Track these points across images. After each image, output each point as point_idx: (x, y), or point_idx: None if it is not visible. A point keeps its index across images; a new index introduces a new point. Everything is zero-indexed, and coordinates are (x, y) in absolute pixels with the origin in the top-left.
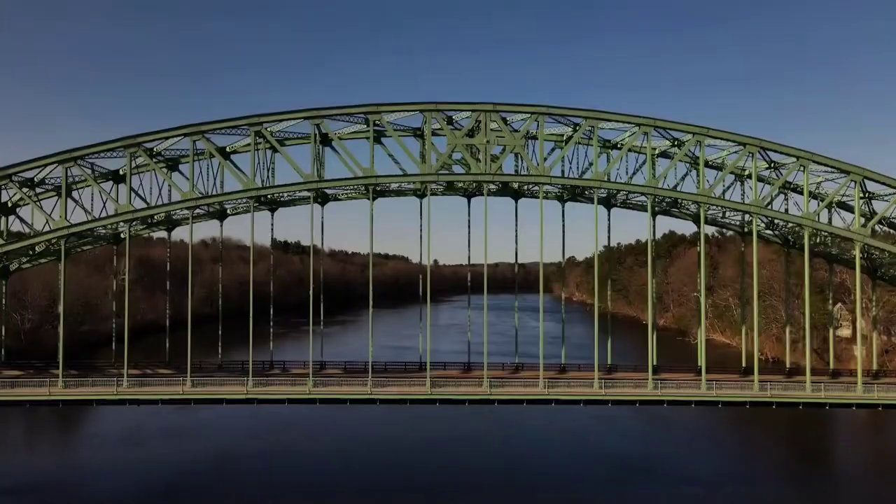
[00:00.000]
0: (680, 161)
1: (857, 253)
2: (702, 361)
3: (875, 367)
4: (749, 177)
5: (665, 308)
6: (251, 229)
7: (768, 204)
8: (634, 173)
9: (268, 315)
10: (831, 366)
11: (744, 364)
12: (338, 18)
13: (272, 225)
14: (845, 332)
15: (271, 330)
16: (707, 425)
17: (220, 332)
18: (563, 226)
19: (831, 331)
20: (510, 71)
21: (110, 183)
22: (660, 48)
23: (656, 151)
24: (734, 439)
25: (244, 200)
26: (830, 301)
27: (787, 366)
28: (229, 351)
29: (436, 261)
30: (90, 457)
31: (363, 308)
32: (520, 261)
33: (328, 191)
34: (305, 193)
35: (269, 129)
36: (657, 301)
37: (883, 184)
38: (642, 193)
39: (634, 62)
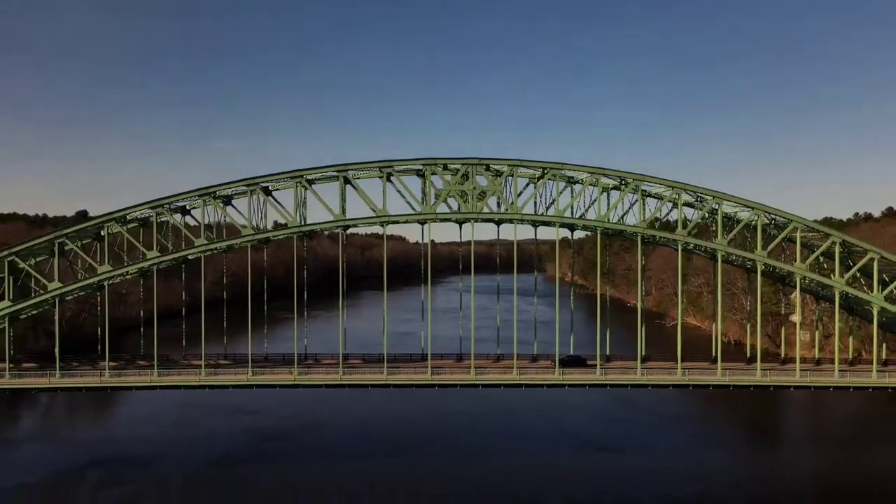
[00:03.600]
0: (631, 192)
1: (759, 269)
2: (678, 353)
3: (818, 353)
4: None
5: (647, 292)
6: (294, 259)
7: (692, 232)
8: (589, 207)
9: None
10: (782, 353)
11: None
12: None
13: (304, 248)
14: (796, 317)
15: (296, 328)
16: (669, 407)
17: (264, 331)
18: (536, 243)
19: (758, 328)
20: None
21: (180, 217)
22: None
23: (610, 185)
24: (696, 418)
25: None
26: (757, 302)
27: (748, 352)
28: (242, 338)
29: (432, 240)
30: (154, 433)
31: (363, 290)
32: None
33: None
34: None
35: (306, 178)
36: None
37: (780, 217)
38: (594, 227)
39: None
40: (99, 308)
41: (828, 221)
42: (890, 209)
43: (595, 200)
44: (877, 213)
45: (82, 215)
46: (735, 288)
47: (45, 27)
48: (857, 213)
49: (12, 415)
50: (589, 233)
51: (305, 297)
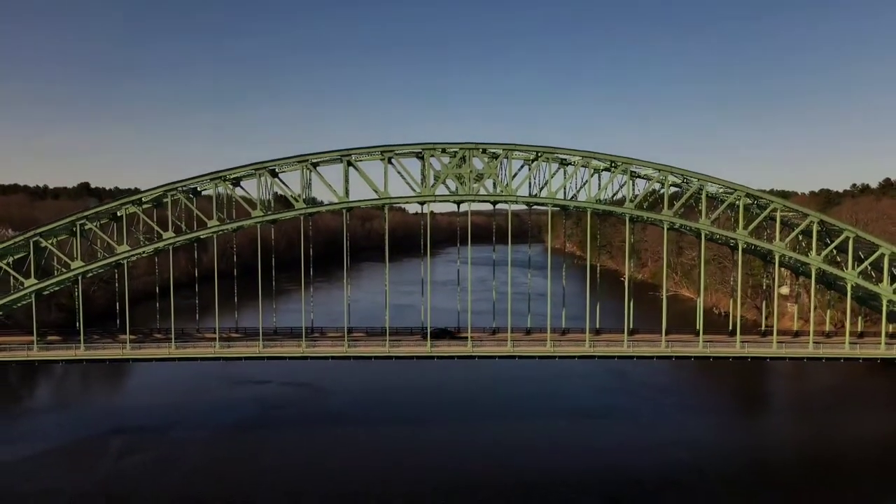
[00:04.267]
0: (621, 174)
1: (740, 247)
2: (663, 326)
3: (802, 326)
4: (668, 193)
5: (643, 264)
6: (302, 238)
7: (678, 213)
8: (581, 188)
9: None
10: (763, 326)
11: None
12: None
13: (311, 228)
14: (785, 290)
15: (303, 304)
16: (659, 377)
17: (273, 305)
18: (530, 224)
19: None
20: None
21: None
22: None
23: (601, 167)
24: (684, 388)
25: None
26: (738, 278)
27: (730, 326)
28: (247, 311)
29: (432, 211)
30: (169, 402)
31: (363, 261)
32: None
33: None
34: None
35: (311, 161)
36: (636, 257)
37: (761, 198)
38: (585, 208)
39: None
40: (117, 284)
41: (824, 194)
42: (887, 181)
43: (586, 182)
44: (874, 185)
45: (84, 187)
46: (727, 261)
47: None
48: (854, 185)
49: (30, 385)
50: None
51: (312, 273)
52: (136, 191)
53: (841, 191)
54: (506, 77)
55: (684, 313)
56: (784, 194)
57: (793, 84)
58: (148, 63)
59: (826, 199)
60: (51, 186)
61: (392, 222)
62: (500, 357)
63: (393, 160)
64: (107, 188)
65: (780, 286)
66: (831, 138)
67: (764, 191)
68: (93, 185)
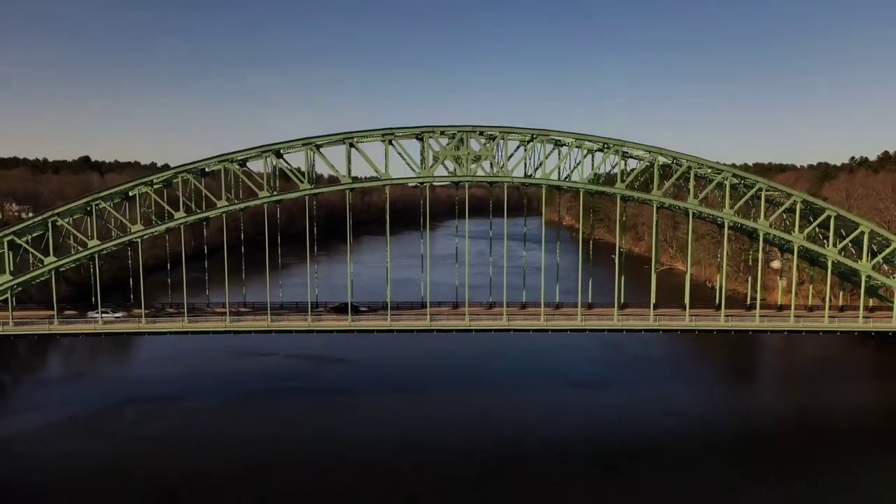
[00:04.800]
0: (613, 154)
1: (726, 225)
2: (652, 300)
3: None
4: (659, 173)
5: (640, 237)
6: (307, 218)
7: (667, 193)
8: (574, 168)
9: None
10: (748, 300)
11: (686, 298)
12: None
13: (314, 206)
14: (776, 264)
15: (309, 280)
16: (651, 349)
17: (279, 281)
18: (525, 207)
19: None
20: None
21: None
22: None
23: (594, 148)
24: (674, 359)
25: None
26: (723, 255)
27: (717, 300)
28: (251, 285)
29: (432, 184)
30: (179, 374)
31: (363, 234)
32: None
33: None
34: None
35: (315, 144)
36: (631, 230)
37: (747, 178)
38: (578, 188)
39: None
40: (130, 261)
41: (822, 167)
42: (886, 153)
43: (579, 163)
44: (873, 158)
45: (84, 161)
46: (720, 236)
47: None
48: (852, 158)
49: (42, 356)
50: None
51: (316, 249)
52: (136, 164)
53: (839, 164)
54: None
55: (678, 287)
56: (782, 168)
57: (791, 55)
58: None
59: (823, 173)
60: (50, 159)
61: (392, 195)
62: (496, 330)
63: (393, 142)
64: (106, 161)
65: (772, 261)
66: (831, 110)
67: (761, 164)
68: (93, 158)
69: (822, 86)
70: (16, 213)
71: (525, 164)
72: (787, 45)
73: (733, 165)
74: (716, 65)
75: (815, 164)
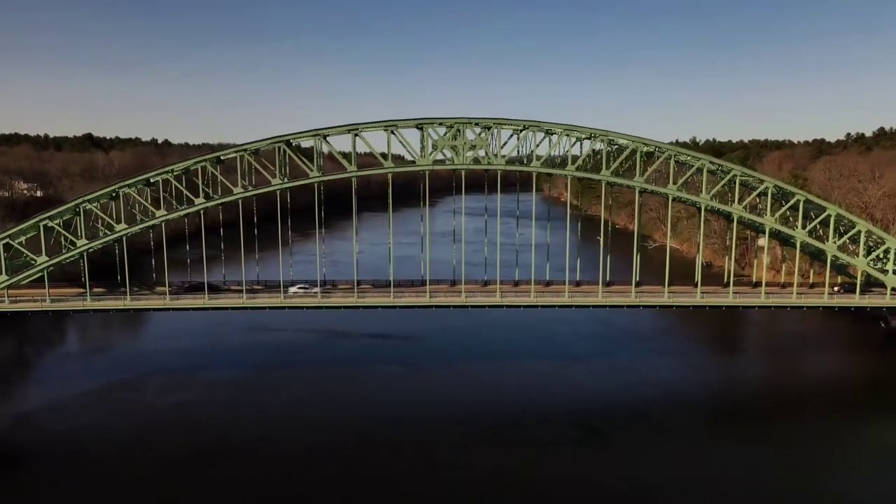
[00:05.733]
0: (599, 143)
1: (702, 209)
2: (633, 278)
3: (773, 277)
4: (642, 160)
5: (633, 215)
6: (316, 205)
7: (649, 179)
8: (562, 157)
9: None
10: (725, 278)
11: (667, 276)
12: None
13: (322, 192)
14: (762, 242)
15: (318, 262)
16: (640, 324)
17: (290, 261)
18: (518, 185)
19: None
20: None
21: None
22: None
23: (582, 136)
24: (661, 334)
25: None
26: (700, 237)
27: (697, 277)
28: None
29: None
30: (195, 347)
31: (363, 211)
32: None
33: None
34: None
35: (323, 135)
36: (625, 207)
37: (723, 165)
38: (566, 175)
39: None
40: (151, 243)
41: (816, 144)
42: (881, 129)
43: (567, 151)
44: (869, 133)
45: (87, 138)
46: (709, 215)
47: None
48: (848, 134)
49: (61, 331)
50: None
51: (323, 228)
52: (137, 140)
53: (834, 141)
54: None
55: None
56: (779, 144)
57: (791, 30)
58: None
59: (818, 150)
60: (51, 135)
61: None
62: (490, 307)
63: (395, 132)
64: (107, 137)
65: (759, 238)
66: (830, 85)
67: (757, 140)
68: (95, 135)
69: (821, 60)
70: (24, 192)
71: (518, 150)
72: (785, 21)
73: (730, 142)
74: (712, 37)
75: (810, 140)
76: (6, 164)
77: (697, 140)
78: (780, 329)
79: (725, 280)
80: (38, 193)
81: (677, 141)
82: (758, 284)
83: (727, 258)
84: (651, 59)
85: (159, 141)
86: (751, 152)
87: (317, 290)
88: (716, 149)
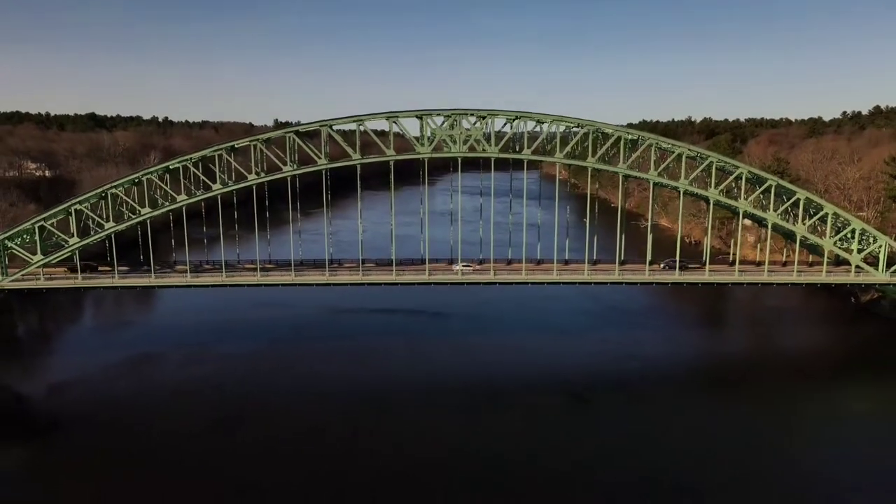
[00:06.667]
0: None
1: (681, 193)
2: (617, 256)
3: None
4: (626, 147)
5: (630, 193)
6: (324, 191)
7: (631, 165)
8: (553, 142)
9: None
10: (704, 257)
11: (649, 254)
12: None
13: (328, 181)
14: (748, 222)
15: (326, 242)
16: (629, 302)
17: (300, 242)
18: (511, 176)
19: (706, 240)
20: None
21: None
22: None
23: (572, 125)
24: (647, 310)
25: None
26: (679, 220)
27: (677, 254)
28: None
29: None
30: (211, 323)
31: (363, 190)
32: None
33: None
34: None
35: (331, 126)
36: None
37: (700, 152)
38: (555, 162)
39: None
40: (172, 226)
41: (811, 123)
42: (877, 108)
43: (555, 139)
44: (865, 111)
45: (90, 117)
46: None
47: None
48: (844, 112)
49: (80, 308)
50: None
51: (330, 214)
52: (139, 119)
53: (829, 119)
54: None
55: (659, 242)
56: (773, 123)
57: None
58: None
59: (811, 129)
60: (52, 113)
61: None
62: (485, 283)
63: (396, 122)
64: (109, 115)
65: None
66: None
67: (753, 119)
68: (98, 114)
69: (818, 37)
70: (33, 172)
71: (511, 138)
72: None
73: (726, 121)
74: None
75: (805, 119)
76: (14, 145)
77: (693, 119)
78: (760, 305)
79: (703, 258)
80: (47, 173)
81: (673, 120)
82: (733, 262)
83: (705, 238)
84: (650, 35)
85: (160, 119)
86: (745, 131)
87: (477, 267)
88: (711, 128)
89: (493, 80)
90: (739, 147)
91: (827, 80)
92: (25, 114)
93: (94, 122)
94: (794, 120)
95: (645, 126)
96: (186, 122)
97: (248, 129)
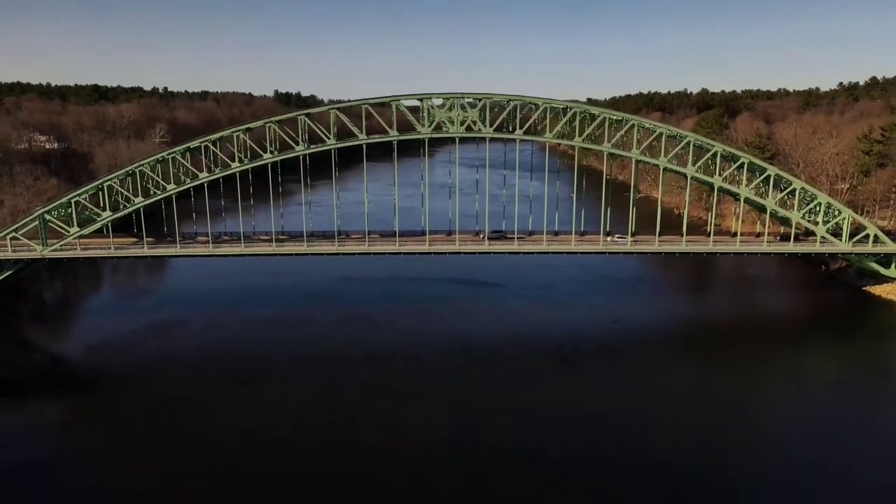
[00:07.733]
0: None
1: (661, 169)
2: (602, 228)
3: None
4: (612, 126)
5: (625, 166)
6: (333, 169)
7: (616, 145)
8: (543, 123)
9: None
10: (685, 228)
11: (631, 226)
12: None
13: (336, 159)
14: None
15: (335, 216)
16: (620, 271)
17: (310, 215)
18: (505, 149)
19: (684, 211)
20: None
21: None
22: None
23: (559, 108)
24: (635, 279)
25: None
26: (659, 195)
27: (656, 226)
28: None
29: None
30: (228, 289)
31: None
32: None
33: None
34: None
35: (339, 109)
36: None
37: (679, 133)
38: (545, 142)
39: None
40: (193, 200)
41: (804, 95)
42: (874, 79)
43: (545, 120)
44: (862, 82)
45: (94, 88)
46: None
47: None
48: (841, 83)
49: (100, 277)
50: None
51: (337, 189)
52: (140, 89)
53: (827, 90)
54: None
55: (650, 214)
56: (769, 95)
57: None
58: None
59: (805, 101)
60: (54, 84)
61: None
62: (480, 253)
63: (399, 106)
64: (110, 86)
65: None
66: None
67: (749, 91)
68: (100, 84)
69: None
70: (42, 144)
71: (505, 119)
72: None
73: (722, 92)
74: None
75: (803, 89)
76: (24, 119)
77: (689, 91)
78: (740, 274)
79: (684, 230)
80: (55, 146)
81: (669, 92)
82: (709, 234)
83: (685, 211)
84: (651, 6)
85: (160, 91)
86: (740, 103)
87: (630, 239)
88: (706, 100)
89: (492, 59)
90: (727, 122)
91: (825, 50)
92: (27, 84)
93: (97, 93)
94: (791, 91)
95: (642, 98)
96: (187, 92)
97: (249, 100)
